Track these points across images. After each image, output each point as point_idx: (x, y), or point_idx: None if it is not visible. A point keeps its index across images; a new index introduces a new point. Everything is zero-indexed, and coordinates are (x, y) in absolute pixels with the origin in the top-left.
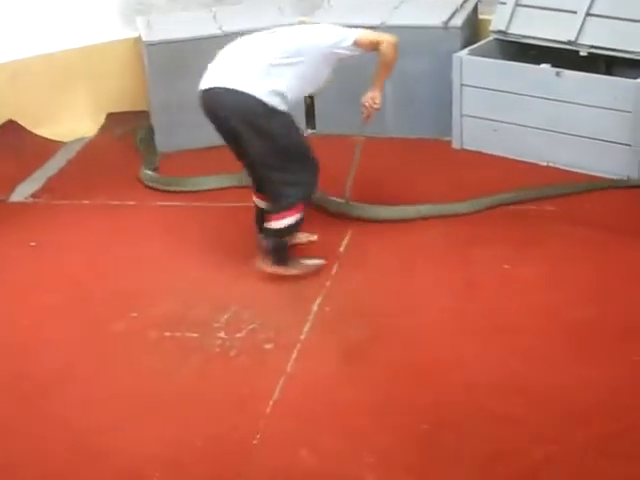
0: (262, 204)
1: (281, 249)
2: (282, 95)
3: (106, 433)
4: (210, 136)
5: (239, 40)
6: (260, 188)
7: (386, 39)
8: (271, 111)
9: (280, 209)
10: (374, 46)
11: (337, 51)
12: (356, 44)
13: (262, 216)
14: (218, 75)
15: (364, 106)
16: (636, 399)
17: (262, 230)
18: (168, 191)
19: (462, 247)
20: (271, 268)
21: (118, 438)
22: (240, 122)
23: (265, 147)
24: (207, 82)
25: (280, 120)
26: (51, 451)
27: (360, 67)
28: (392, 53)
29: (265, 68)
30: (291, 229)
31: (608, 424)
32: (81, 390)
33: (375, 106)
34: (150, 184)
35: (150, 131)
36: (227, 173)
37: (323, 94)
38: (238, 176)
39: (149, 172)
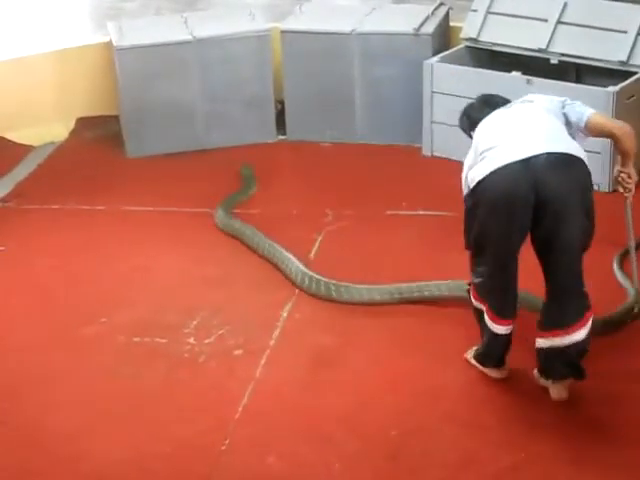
0: (511, 328)
1: (584, 357)
2: None
3: (75, 437)
4: (179, 141)
5: (503, 114)
6: (515, 307)
7: (624, 131)
8: (591, 180)
9: (585, 310)
10: (603, 134)
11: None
12: (586, 127)
13: (508, 342)
14: (534, 141)
15: (618, 182)
16: (601, 410)
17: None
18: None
19: (431, 251)
20: (565, 391)
21: (87, 442)
22: (573, 197)
23: (583, 229)
24: (518, 152)
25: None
26: (20, 455)
27: (330, 73)
28: (631, 145)
29: (566, 130)
30: (590, 335)
31: (574, 433)
32: (50, 395)
33: (629, 184)
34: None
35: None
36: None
37: (293, 100)
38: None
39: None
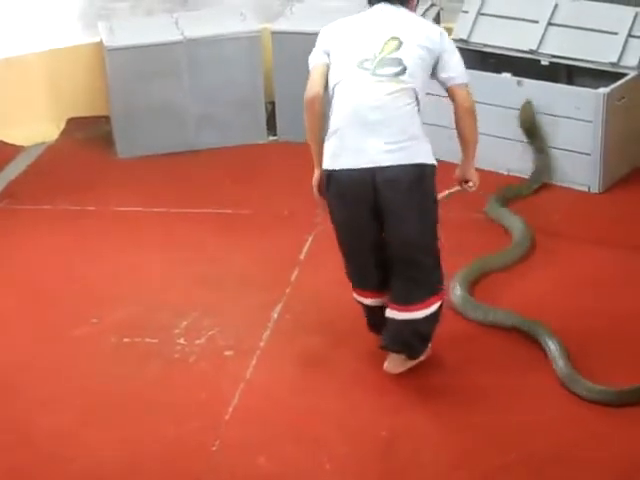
0: (378, 302)
1: (424, 340)
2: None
3: (66, 437)
4: (169, 142)
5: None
6: (380, 284)
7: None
8: (429, 171)
9: (426, 296)
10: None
11: None
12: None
13: (380, 315)
14: (376, 148)
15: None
16: (594, 409)
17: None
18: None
19: None
20: (405, 366)
21: (78, 442)
22: (409, 206)
23: (422, 222)
24: (360, 158)
25: (433, 180)
26: (10, 455)
27: None
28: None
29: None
30: (436, 317)
31: (567, 432)
32: (40, 394)
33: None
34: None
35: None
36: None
37: (284, 101)
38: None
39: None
